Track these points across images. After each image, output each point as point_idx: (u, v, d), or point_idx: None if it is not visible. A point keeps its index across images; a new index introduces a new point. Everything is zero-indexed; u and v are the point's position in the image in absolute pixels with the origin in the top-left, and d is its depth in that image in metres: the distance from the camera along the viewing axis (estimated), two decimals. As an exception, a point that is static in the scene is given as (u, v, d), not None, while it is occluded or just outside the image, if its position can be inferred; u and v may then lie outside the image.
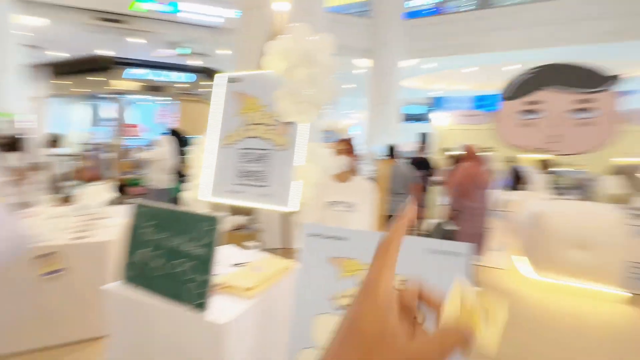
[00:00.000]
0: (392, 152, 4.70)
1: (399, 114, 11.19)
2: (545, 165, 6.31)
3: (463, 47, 10.34)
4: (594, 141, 7.18)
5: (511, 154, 7.50)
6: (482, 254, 3.52)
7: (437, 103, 25.00)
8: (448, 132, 8.81)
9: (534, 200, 3.91)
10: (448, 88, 14.75)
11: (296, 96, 2.38)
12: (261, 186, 2.50)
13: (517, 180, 6.06)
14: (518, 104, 7.78)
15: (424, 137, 9.41)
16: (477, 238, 3.49)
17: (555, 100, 7.44)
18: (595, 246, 3.26)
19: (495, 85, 8.61)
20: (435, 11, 12.69)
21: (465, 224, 3.44)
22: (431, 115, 9.89)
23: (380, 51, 10.64)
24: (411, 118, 26.42)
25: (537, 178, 5.09)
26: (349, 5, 13.01)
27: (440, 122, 8.92)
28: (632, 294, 3.44)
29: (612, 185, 4.75)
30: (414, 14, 11.66)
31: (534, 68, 7.66)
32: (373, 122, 10.64)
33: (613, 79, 7.03)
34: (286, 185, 2.40)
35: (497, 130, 7.99)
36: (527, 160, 7.24)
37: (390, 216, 4.28)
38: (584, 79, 7.24)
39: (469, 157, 3.60)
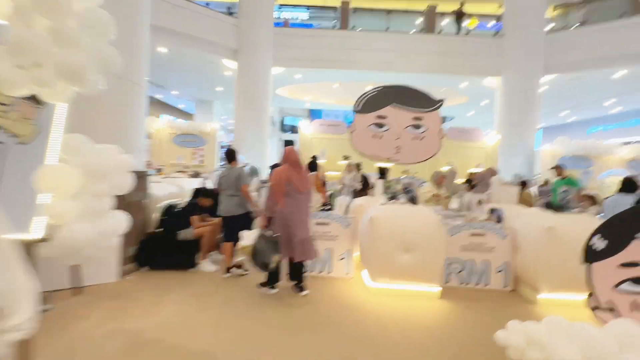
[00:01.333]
0: (232, 155, 4.14)
1: (269, 120, 10.88)
2: (381, 172, 6.86)
3: (325, 61, 10.77)
4: (424, 153, 8.36)
5: (360, 161, 7.95)
6: (306, 258, 3.35)
7: (313, 115, 26.22)
8: (311, 140, 8.93)
9: (372, 206, 3.96)
10: (316, 100, 15.35)
11: (27, 56, 1.51)
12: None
13: (365, 186, 6.39)
14: (369, 117, 8.42)
15: (285, 145, 9.30)
16: (299, 244, 3.30)
17: (397, 116, 8.35)
18: (418, 248, 3.40)
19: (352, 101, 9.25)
20: (302, 25, 13.05)
21: (280, 229, 3.30)
22: (299, 124, 9.87)
23: (246, 54, 10.14)
24: (289, 129, 26.93)
25: (378, 184, 5.35)
26: (217, 3, 12.06)
27: (306, 131, 8.97)
28: (445, 286, 3.76)
29: (432, 189, 5.40)
30: (282, 24, 11.59)
31: (381, 87, 8.47)
32: (240, 127, 9.99)
33: (439, 102, 8.31)
34: (26, 198, 1.51)
35: (351, 140, 8.46)
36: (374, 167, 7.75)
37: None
38: (419, 100, 8.36)
39: (285, 161, 3.39)
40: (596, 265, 2.28)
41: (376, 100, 8.68)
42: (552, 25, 10.92)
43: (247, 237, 3.37)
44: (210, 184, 5.82)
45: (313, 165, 6.70)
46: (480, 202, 4.68)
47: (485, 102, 13.72)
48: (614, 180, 9.17)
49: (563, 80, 10.60)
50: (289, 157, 3.40)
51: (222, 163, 9.49)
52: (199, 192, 4.34)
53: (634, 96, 12.39)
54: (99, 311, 2.97)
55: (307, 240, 3.36)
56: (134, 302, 3.20)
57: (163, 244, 3.95)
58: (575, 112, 15.38)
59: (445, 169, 8.17)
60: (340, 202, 4.53)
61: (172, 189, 5.32)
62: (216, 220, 4.36)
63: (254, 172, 7.51)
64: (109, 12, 1.97)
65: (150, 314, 2.99)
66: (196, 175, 7.31)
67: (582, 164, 9.70)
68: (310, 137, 8.81)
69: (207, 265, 4.02)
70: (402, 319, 3.09)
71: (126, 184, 2.37)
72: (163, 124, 10.03)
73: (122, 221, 2.45)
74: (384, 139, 8.75)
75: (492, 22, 12.05)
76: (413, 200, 3.89)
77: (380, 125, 8.77)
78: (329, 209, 4.79)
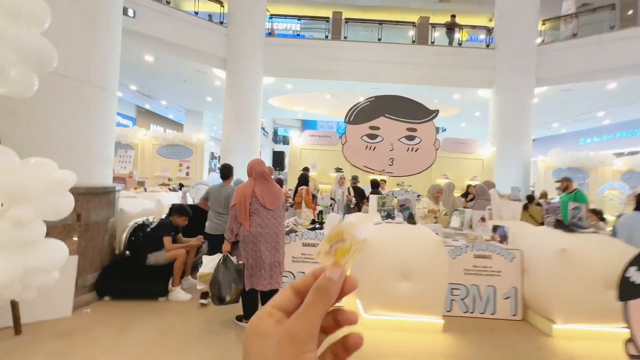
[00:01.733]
0: (227, 173, 3.74)
1: (259, 131, 10.49)
2: (373, 185, 6.47)
3: (316, 72, 10.49)
4: (419, 164, 8.02)
5: (356, 175, 7.56)
6: (275, 287, 2.87)
7: (307, 125, 25.89)
8: (302, 152, 8.54)
9: (365, 225, 3.54)
10: (308, 111, 15.05)
11: None
12: None
13: (361, 200, 5.98)
14: (361, 128, 8.08)
15: (276, 157, 8.89)
16: (268, 270, 2.84)
17: (390, 127, 8.03)
18: (418, 275, 2.98)
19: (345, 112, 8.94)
20: (293, 35, 12.83)
21: (246, 254, 2.84)
22: (290, 135, 9.49)
23: (235, 63, 9.80)
24: (281, 140, 26.53)
25: (371, 199, 4.95)
26: (206, 12, 11.76)
27: (297, 142, 8.60)
28: (447, 315, 3.33)
29: (430, 204, 5.02)
30: (268, 33, 11.32)
31: (373, 98, 8.16)
32: (229, 137, 9.55)
33: (434, 112, 8.03)
34: None
35: (344, 152, 8.09)
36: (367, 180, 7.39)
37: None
38: (412, 111, 8.06)
39: (249, 174, 2.97)
40: (635, 303, 1.88)
41: (368, 112, 8.37)
42: (542, 38, 10.88)
43: (207, 264, 2.92)
44: (189, 199, 5.35)
45: (304, 178, 6.29)
46: (482, 219, 4.29)
47: (478, 114, 13.58)
48: (615, 194, 8.96)
49: (554, 93, 10.49)
50: (254, 169, 2.95)
51: (207, 176, 8.99)
52: (174, 210, 3.87)
53: (625, 108, 12.36)
54: (40, 356, 2.46)
55: (277, 265, 2.91)
56: (86, 341, 2.70)
57: (129, 270, 3.45)
58: (566, 123, 15.36)
59: (441, 181, 7.83)
60: (331, 219, 4.09)
61: (147, 205, 4.84)
62: (193, 241, 3.90)
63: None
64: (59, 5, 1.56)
65: (105, 357, 2.50)
66: (180, 187, 6.82)
67: (577, 177, 9.48)
68: (300, 148, 8.42)
69: (179, 293, 3.53)
70: (400, 356, 2.65)
71: (63, 207, 1.91)
72: (147, 135, 9.55)
73: (58, 252, 1.99)
74: (377, 151, 8.40)
75: (483, 36, 11.99)
76: (411, 218, 3.49)
77: (373, 137, 8.43)
78: (320, 228, 4.35)
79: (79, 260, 3.15)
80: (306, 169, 7.42)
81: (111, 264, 3.50)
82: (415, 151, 7.97)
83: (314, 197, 5.51)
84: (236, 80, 9.85)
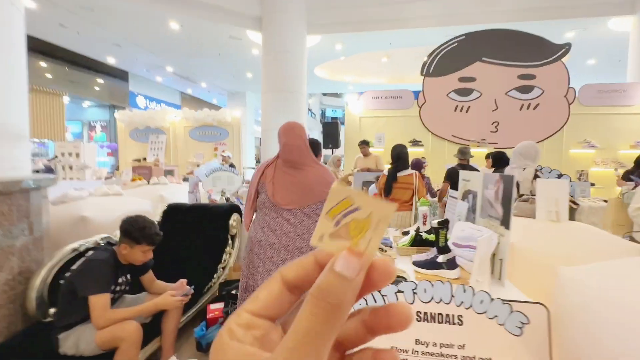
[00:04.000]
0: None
1: (306, 105, 8.39)
2: (496, 158, 3.91)
3: (371, 22, 7.89)
4: (542, 128, 5.23)
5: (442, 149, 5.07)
6: None
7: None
8: (360, 121, 6.21)
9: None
10: (359, 80, 12.49)
11: None
12: None
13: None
14: (447, 82, 5.47)
15: (326, 129, 6.66)
16: None
17: (492, 76, 5.30)
18: None
19: (411, 79, 6.39)
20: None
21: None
22: (346, 99, 7.12)
23: (272, 21, 7.66)
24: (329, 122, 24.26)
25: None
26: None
27: (354, 108, 6.29)
28: None
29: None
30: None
31: (463, 36, 5.45)
32: (269, 113, 7.57)
33: (563, 48, 5.11)
34: None
35: (422, 117, 5.59)
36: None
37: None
38: (526, 49, 5.22)
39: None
40: None
41: (457, 56, 5.68)
42: None
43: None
44: (202, 192, 3.39)
45: (417, 163, 3.73)
46: None
47: (593, 61, 9.77)
48: None
49: None
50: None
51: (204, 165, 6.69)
52: (122, 231, 1.64)
53: None
54: None
55: None
56: None
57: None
58: None
59: (576, 152, 4.73)
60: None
61: (137, 206, 2.98)
62: (176, 287, 1.84)
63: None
64: None
65: None
66: (185, 178, 4.96)
67: None
68: (360, 116, 6.09)
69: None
70: None
71: None
72: (177, 116, 7.94)
73: None
74: (473, 112, 5.73)
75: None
76: None
77: (465, 92, 5.76)
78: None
79: None
80: (365, 143, 5.01)
81: (8, 342, 1.61)
82: (535, 108, 5.17)
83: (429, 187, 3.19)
84: (275, 43, 7.71)
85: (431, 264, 1.58)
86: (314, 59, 9.78)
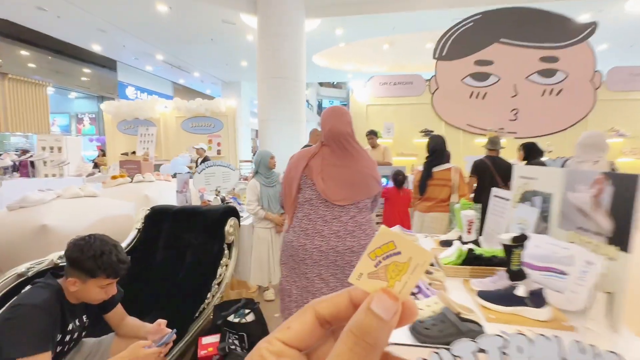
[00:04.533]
0: None
1: (304, 94, 7.84)
2: (529, 149, 3.44)
3: (374, 3, 7.32)
4: (566, 115, 4.78)
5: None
6: None
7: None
8: (367, 109, 5.71)
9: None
10: (360, 69, 11.91)
11: None
12: None
13: (505, 182, 3.09)
14: (462, 65, 4.97)
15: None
16: None
17: (511, 59, 4.82)
18: None
19: (414, 67, 5.87)
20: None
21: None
22: (351, 86, 6.59)
23: (268, 4, 7.06)
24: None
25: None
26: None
27: (360, 96, 5.77)
28: None
29: None
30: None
31: (480, 15, 4.93)
32: (265, 102, 7.03)
33: (588, 28, 4.63)
34: None
35: (433, 104, 5.11)
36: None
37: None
38: (548, 28, 4.73)
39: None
40: None
41: (473, 37, 5.18)
42: None
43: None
44: (192, 191, 2.90)
45: (440, 148, 3.14)
46: None
47: (606, 46, 9.28)
48: None
49: None
50: (324, 124, 1.58)
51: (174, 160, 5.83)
52: (68, 259, 1.10)
53: None
54: None
55: None
56: None
57: None
58: None
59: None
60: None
61: (113, 211, 2.49)
62: (152, 331, 1.34)
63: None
64: None
65: None
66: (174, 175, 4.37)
67: None
68: (366, 104, 5.59)
69: None
70: None
71: None
72: (167, 106, 7.37)
73: None
74: (490, 98, 5.26)
75: None
76: None
77: (482, 77, 5.27)
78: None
79: None
80: (372, 133, 4.52)
81: None
82: (558, 94, 4.71)
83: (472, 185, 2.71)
84: (271, 27, 7.12)
85: (506, 298, 1.13)
86: (312, 46, 9.18)
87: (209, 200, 2.76)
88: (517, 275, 1.19)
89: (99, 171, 5.98)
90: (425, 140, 5.16)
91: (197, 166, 5.19)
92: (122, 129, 7.43)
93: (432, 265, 1.53)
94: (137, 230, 2.23)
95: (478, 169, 2.94)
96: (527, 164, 3.31)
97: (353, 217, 1.57)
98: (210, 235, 2.19)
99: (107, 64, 11.45)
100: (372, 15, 7.61)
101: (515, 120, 4.78)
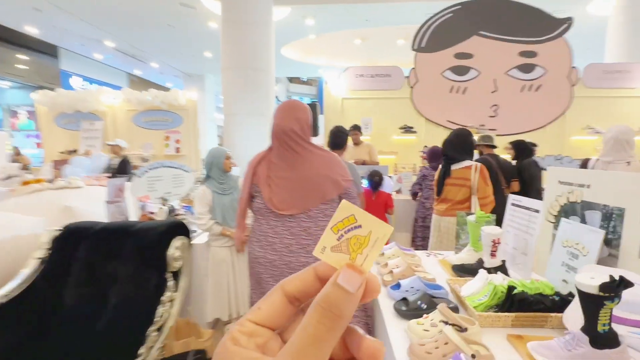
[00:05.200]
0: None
1: (274, 86, 7.23)
2: (519, 147, 3.18)
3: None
4: (544, 112, 4.64)
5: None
6: None
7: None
8: (343, 103, 5.26)
9: None
10: (331, 63, 11.48)
11: None
12: None
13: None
14: (441, 58, 4.67)
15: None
16: None
17: (491, 53, 4.59)
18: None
19: (387, 63, 5.54)
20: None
21: None
22: (324, 78, 6.10)
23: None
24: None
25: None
26: None
27: (334, 89, 5.30)
28: None
29: None
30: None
31: (459, 5, 4.66)
32: (231, 94, 6.35)
33: (565, 23, 4.50)
34: None
35: (412, 99, 4.77)
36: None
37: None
38: (527, 23, 4.55)
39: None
40: None
41: (452, 28, 4.90)
42: None
43: None
44: (125, 205, 2.27)
45: (438, 153, 2.85)
46: None
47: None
48: None
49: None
50: (273, 122, 1.43)
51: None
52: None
53: None
54: None
55: None
56: None
57: None
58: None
59: (579, 138, 4.36)
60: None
61: (4, 232, 1.80)
62: None
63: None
64: None
65: None
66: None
67: None
68: (342, 98, 5.13)
69: None
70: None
71: None
72: (116, 97, 6.43)
73: None
74: (470, 94, 5.01)
75: None
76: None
77: (462, 71, 4.99)
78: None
79: None
80: (356, 128, 4.10)
81: None
82: (537, 90, 4.56)
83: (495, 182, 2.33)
84: (236, 13, 6.44)
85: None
86: (281, 37, 8.57)
87: (151, 213, 2.14)
88: (606, 341, 0.77)
89: (30, 173, 5.00)
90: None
91: (111, 169, 4.44)
92: (61, 124, 6.38)
93: (454, 309, 1.09)
94: (38, 260, 1.58)
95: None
96: (517, 163, 3.03)
97: (306, 229, 1.39)
98: (145, 263, 1.60)
99: (46, 49, 10.02)
100: (345, 5, 7.17)
101: (495, 116, 4.58)
